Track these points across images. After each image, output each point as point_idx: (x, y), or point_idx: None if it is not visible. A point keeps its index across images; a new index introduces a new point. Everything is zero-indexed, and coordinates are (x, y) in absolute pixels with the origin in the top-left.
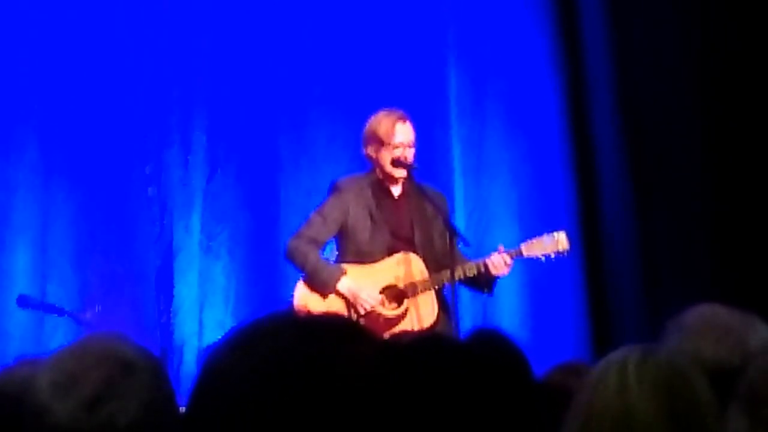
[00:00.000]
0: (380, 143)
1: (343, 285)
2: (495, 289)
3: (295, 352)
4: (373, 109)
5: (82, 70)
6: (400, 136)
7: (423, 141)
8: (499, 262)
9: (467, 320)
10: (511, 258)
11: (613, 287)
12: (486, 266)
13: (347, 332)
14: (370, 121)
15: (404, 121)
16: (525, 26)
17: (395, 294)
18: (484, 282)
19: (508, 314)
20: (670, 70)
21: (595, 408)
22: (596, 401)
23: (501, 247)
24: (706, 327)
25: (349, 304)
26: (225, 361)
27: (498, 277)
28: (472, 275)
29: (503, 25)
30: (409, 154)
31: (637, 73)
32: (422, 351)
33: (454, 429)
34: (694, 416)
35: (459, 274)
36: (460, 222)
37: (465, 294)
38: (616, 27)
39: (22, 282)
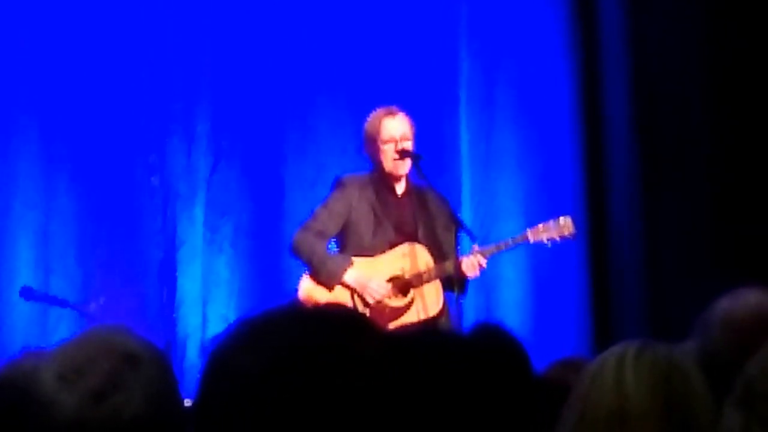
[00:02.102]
0: (373, 142)
1: (351, 276)
2: (467, 288)
3: (301, 345)
4: (381, 99)
5: (84, 60)
6: (388, 131)
7: (432, 130)
8: (471, 263)
9: (470, 314)
10: (500, 250)
11: (617, 283)
12: (459, 266)
13: (351, 325)
14: (365, 121)
15: (393, 116)
16: (538, 15)
17: (401, 285)
18: (456, 281)
19: (511, 308)
20: (685, 61)
21: (592, 401)
22: (593, 395)
23: (475, 247)
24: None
25: (355, 296)
26: (230, 355)
27: (468, 279)
28: (446, 274)
29: (516, 14)
30: (405, 147)
31: (651, 65)
32: (423, 344)
33: (454, 423)
34: (688, 411)
35: (440, 271)
36: (467, 213)
37: (468, 287)
38: (631, 18)
39: (25, 274)
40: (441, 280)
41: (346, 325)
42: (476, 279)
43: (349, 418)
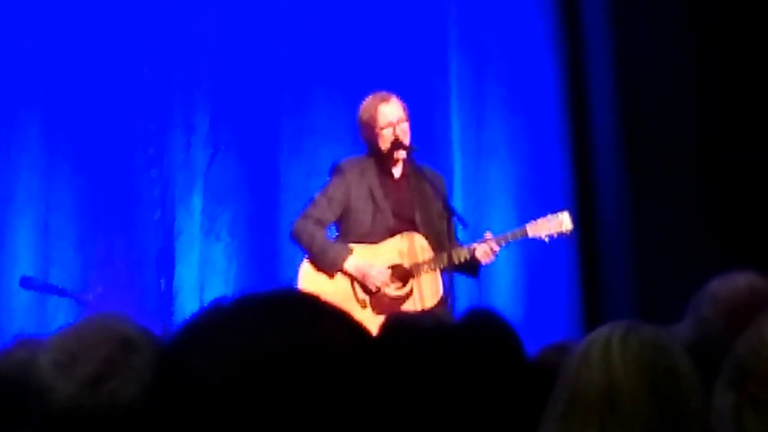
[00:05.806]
0: (370, 128)
1: (351, 264)
2: (480, 272)
3: (261, 338)
4: (374, 90)
5: (85, 54)
6: (385, 116)
7: (423, 122)
8: (485, 251)
9: (463, 300)
10: (505, 243)
11: (607, 269)
12: (473, 252)
13: (316, 314)
14: (359, 108)
15: (387, 101)
16: (526, 8)
17: (400, 273)
18: (469, 267)
19: (503, 294)
20: (671, 53)
21: (580, 384)
22: (581, 377)
23: (488, 234)
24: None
25: (355, 284)
26: (184, 351)
27: (482, 264)
28: (463, 260)
29: (504, 7)
30: (402, 131)
31: (637, 56)
32: (414, 332)
33: (448, 406)
34: (675, 391)
35: (455, 257)
36: (458, 203)
37: (459, 274)
38: (616, 9)
39: (24, 263)
40: (454, 266)
41: (309, 314)
42: None
43: (312, 417)
